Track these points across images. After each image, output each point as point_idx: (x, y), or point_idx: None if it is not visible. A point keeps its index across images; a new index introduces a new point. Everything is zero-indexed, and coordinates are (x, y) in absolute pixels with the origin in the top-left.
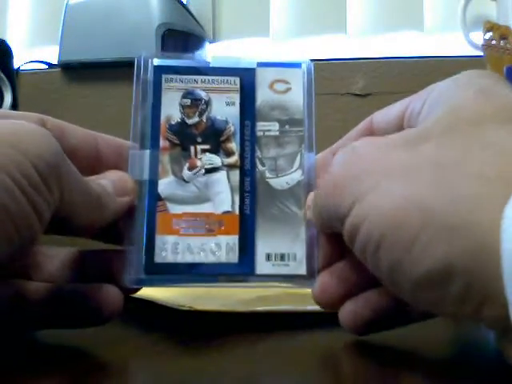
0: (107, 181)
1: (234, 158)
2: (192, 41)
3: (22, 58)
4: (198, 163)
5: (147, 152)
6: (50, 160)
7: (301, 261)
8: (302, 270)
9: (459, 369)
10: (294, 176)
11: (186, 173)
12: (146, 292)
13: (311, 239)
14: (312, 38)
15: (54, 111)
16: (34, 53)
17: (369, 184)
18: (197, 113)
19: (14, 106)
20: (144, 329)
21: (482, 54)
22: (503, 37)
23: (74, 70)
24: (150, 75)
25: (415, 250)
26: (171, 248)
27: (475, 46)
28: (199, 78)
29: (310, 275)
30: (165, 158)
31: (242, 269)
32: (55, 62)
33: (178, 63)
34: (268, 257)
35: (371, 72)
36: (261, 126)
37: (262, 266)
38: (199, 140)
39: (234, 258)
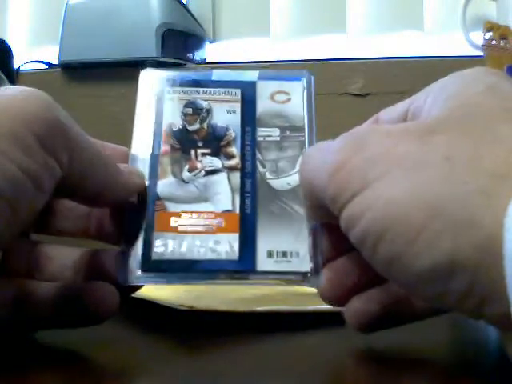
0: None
1: (235, 161)
2: (192, 41)
3: (22, 58)
4: (199, 165)
5: (148, 154)
6: (49, 121)
7: (304, 257)
8: (306, 267)
9: (462, 373)
10: (296, 177)
11: (185, 174)
12: (146, 292)
13: (314, 236)
14: (312, 38)
15: None
16: (34, 53)
17: (376, 172)
18: (198, 120)
19: None
20: (144, 329)
21: (482, 54)
22: (503, 37)
23: (74, 70)
24: (154, 87)
25: (419, 244)
26: (169, 245)
27: (475, 46)
28: (201, 89)
29: (315, 272)
30: (165, 160)
31: (243, 265)
32: (55, 61)
33: (181, 76)
34: (269, 254)
35: (371, 72)
36: (261, 131)
37: (264, 263)
38: (200, 144)
39: (234, 255)
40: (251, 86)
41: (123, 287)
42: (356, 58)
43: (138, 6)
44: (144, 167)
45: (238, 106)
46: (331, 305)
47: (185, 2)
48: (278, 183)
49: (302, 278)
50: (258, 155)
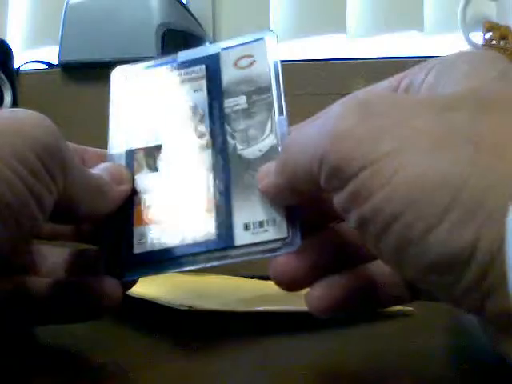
0: (102, 171)
1: (205, 139)
2: (192, 41)
3: (22, 58)
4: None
5: (123, 152)
6: (51, 146)
7: (280, 224)
8: (283, 233)
9: (458, 377)
10: (267, 142)
11: (158, 163)
12: (146, 292)
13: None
14: (312, 38)
15: (54, 111)
16: (34, 53)
17: (392, 144)
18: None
19: (14, 105)
20: (144, 329)
21: None
22: (503, 37)
23: (74, 70)
24: (125, 85)
25: (440, 230)
26: (148, 237)
27: (475, 46)
28: (166, 81)
29: (292, 237)
30: (139, 155)
31: (221, 243)
32: (55, 61)
33: (150, 67)
34: (246, 226)
35: (371, 72)
36: (228, 102)
37: (241, 237)
38: None
39: (211, 234)
40: (215, 59)
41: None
42: (356, 57)
43: (138, 6)
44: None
45: (203, 84)
46: (284, 289)
47: (185, 2)
48: (250, 152)
49: (281, 244)
50: (227, 128)
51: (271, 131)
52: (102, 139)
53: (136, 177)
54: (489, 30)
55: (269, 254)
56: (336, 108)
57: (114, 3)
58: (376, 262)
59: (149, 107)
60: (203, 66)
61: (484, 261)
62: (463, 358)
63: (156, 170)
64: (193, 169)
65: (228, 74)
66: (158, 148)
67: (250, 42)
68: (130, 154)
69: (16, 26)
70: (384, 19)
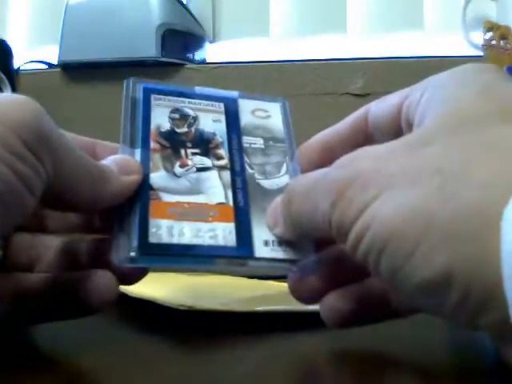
0: (110, 161)
1: (224, 161)
2: (192, 41)
3: (22, 58)
4: (189, 162)
5: (138, 151)
6: (36, 128)
7: (299, 246)
8: (301, 255)
9: (458, 375)
10: (283, 180)
11: (177, 169)
12: (146, 292)
13: None
14: (312, 38)
15: (54, 111)
16: (34, 53)
17: (371, 194)
18: (185, 125)
19: None
20: (144, 329)
21: (481, 54)
22: (503, 37)
23: (74, 70)
24: (139, 94)
25: (416, 258)
26: (166, 230)
27: (475, 46)
28: (186, 99)
29: (310, 258)
30: (156, 157)
31: (241, 252)
32: (55, 62)
33: (165, 87)
34: (266, 243)
35: (371, 72)
36: (246, 139)
37: (261, 250)
38: (189, 145)
39: (232, 241)
40: (233, 102)
41: (124, 275)
42: (356, 57)
43: (138, 6)
44: None
45: (222, 117)
46: (301, 302)
47: (185, 2)
48: (267, 183)
49: (298, 265)
50: (246, 159)
51: (286, 171)
52: (101, 139)
53: (152, 174)
54: (489, 30)
55: (286, 270)
56: (331, 174)
57: (114, 3)
58: None
59: (164, 119)
60: (222, 104)
61: (462, 281)
62: (463, 358)
63: (174, 173)
64: (212, 181)
65: (246, 118)
66: (175, 156)
67: (266, 99)
68: (146, 154)
69: (16, 25)
70: (384, 19)
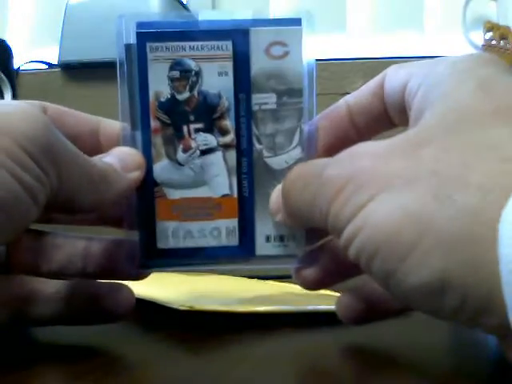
0: (113, 157)
1: (230, 137)
2: None
3: (22, 58)
4: (193, 144)
5: (138, 133)
6: (41, 140)
7: (300, 240)
8: (302, 250)
9: (460, 374)
10: (293, 154)
11: (180, 155)
12: (146, 292)
13: None
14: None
15: None
16: (34, 53)
17: (366, 196)
18: (187, 87)
19: None
20: (144, 329)
21: None
22: (503, 37)
23: (74, 70)
24: (134, 42)
25: (410, 262)
26: (172, 233)
27: (475, 46)
28: (187, 44)
29: (311, 253)
30: (157, 141)
31: (243, 251)
32: (55, 62)
33: (163, 27)
34: (267, 238)
35: (371, 72)
36: (256, 98)
37: (262, 248)
38: (192, 118)
39: (234, 240)
40: (244, 36)
41: (130, 276)
42: (356, 57)
43: (138, 6)
44: (137, 148)
45: (230, 66)
46: (305, 288)
47: (185, 2)
48: (275, 162)
49: (299, 259)
50: (254, 129)
51: (299, 143)
52: None
53: (155, 166)
54: (489, 30)
55: (287, 265)
56: (329, 171)
57: (114, 3)
58: None
59: (163, 80)
60: (230, 43)
61: (458, 285)
62: (464, 358)
63: (177, 161)
64: (217, 168)
65: (258, 62)
66: (178, 136)
67: (286, 24)
68: (147, 137)
69: (16, 26)
70: (384, 19)
